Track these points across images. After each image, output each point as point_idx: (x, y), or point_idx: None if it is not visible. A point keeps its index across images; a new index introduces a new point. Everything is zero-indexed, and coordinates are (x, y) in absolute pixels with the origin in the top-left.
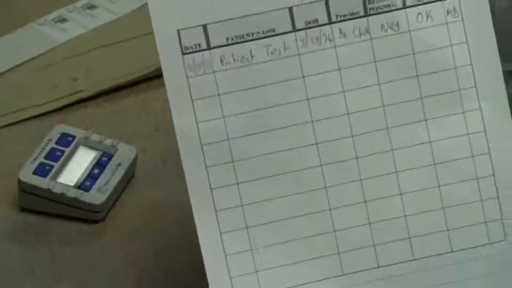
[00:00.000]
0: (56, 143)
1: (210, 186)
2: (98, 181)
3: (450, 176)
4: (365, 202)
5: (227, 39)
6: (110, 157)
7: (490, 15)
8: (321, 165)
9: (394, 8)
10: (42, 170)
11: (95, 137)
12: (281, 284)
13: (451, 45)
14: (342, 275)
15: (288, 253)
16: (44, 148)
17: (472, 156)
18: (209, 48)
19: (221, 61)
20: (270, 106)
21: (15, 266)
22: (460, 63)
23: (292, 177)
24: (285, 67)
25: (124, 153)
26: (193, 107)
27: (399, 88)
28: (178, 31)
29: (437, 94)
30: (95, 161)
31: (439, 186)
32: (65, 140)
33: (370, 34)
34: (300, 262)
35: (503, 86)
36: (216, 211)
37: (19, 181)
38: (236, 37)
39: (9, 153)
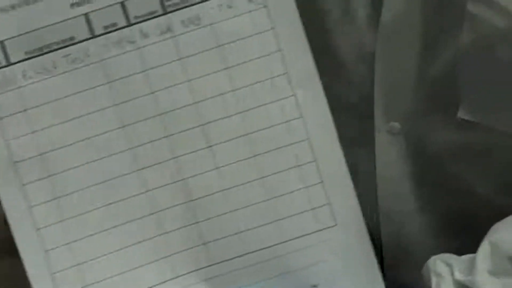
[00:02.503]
0: None
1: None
2: None
3: (272, 166)
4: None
5: (27, 53)
6: None
7: (294, 0)
8: (138, 170)
9: (192, 2)
10: None
11: None
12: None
13: (258, 33)
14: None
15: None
16: None
17: (292, 144)
18: (9, 64)
19: (24, 75)
20: (79, 116)
21: None
22: (268, 51)
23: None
24: (88, 75)
25: None
26: (1, 126)
27: (209, 82)
28: None
29: (249, 85)
30: None
31: (263, 178)
32: None
33: (172, 32)
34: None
35: (315, 70)
36: (37, 229)
37: None
38: (35, 49)
39: None
